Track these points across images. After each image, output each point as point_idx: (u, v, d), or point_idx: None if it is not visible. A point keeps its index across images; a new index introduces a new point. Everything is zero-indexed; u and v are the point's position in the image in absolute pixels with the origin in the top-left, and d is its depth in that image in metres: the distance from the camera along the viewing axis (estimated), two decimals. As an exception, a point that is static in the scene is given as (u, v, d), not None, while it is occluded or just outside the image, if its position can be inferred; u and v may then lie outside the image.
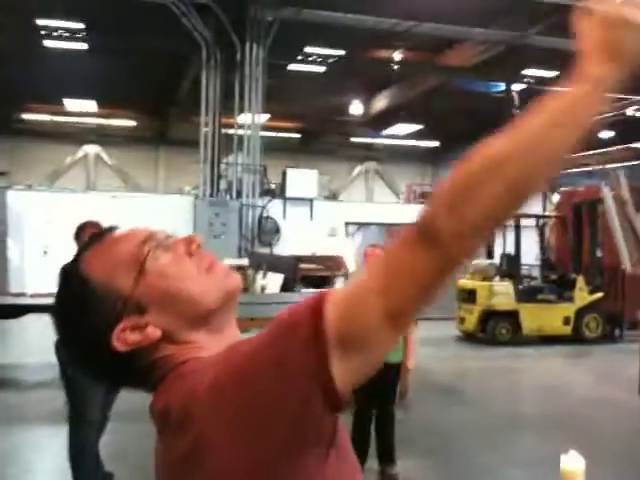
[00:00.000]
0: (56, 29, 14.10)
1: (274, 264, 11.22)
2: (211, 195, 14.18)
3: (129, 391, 1.00)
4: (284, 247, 14.42)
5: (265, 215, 14.82)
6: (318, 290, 0.81)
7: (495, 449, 5.99)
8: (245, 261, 11.79)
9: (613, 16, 0.78)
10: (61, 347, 3.93)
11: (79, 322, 0.93)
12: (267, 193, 15.65)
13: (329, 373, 0.75)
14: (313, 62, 16.02)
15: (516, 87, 17.06)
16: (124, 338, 0.90)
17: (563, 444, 2.00)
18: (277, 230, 15.07)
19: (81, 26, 14.20)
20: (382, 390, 4.82)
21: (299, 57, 15.78)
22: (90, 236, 0.99)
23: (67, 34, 14.16)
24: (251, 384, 0.77)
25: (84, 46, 14.81)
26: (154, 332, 0.91)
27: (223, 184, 15.05)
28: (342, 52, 15.79)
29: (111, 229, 0.99)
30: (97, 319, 0.91)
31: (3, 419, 6.36)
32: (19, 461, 5.63)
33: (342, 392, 0.77)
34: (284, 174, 16.45)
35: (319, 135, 24.10)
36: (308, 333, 0.76)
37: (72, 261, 0.96)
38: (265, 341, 0.79)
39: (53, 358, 4.15)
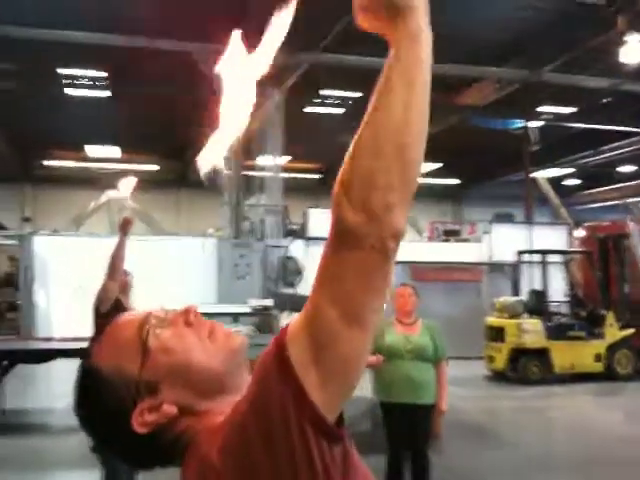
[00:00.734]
0: (78, 77, 14.44)
1: (298, 304, 11.16)
2: (235, 237, 14.25)
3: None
4: (307, 287, 14.38)
5: (288, 255, 14.83)
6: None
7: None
8: (270, 302, 11.76)
9: None
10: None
11: (99, 414, 0.95)
12: (290, 233, 15.69)
13: (310, 402, 0.75)
14: (331, 104, 16.21)
15: (533, 124, 17.10)
16: (143, 420, 0.92)
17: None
18: (300, 270, 15.06)
19: (103, 74, 14.52)
20: (416, 432, 4.74)
21: (316, 100, 15.98)
22: (97, 329, 1.03)
23: (89, 82, 14.49)
24: (245, 445, 0.77)
25: (106, 93, 15.13)
26: (170, 409, 0.92)
27: (246, 225, 15.13)
28: (359, 94, 15.98)
29: (114, 319, 1.02)
30: (114, 407, 0.93)
31: (33, 464, 6.33)
32: (50, 508, 5.59)
33: (329, 417, 0.77)
34: (306, 214, 16.51)
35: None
36: (276, 373, 0.76)
37: (84, 356, 1.00)
38: (249, 397, 0.79)
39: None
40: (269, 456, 0.76)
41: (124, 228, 4.23)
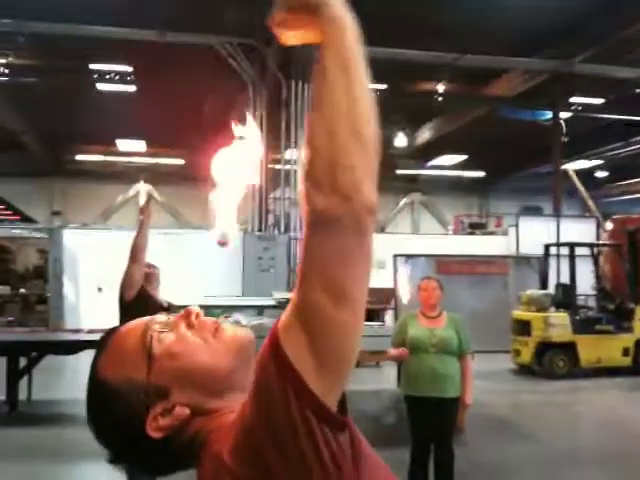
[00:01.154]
0: (107, 72, 14.58)
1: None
2: (259, 230, 14.31)
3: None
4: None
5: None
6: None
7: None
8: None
9: None
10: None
11: (113, 425, 0.97)
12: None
13: (309, 391, 0.76)
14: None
15: (563, 115, 16.86)
16: (157, 425, 0.93)
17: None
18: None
19: (129, 69, 14.64)
20: (440, 425, 4.73)
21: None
22: (98, 343, 1.03)
23: (117, 77, 14.63)
24: (254, 444, 0.78)
25: (132, 88, 15.26)
26: (182, 411, 0.93)
27: (271, 219, 15.17)
28: (384, 86, 15.90)
29: (112, 331, 1.03)
30: (127, 417, 0.94)
31: (61, 455, 6.43)
32: (78, 497, 5.68)
33: (330, 403, 0.77)
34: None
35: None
36: (274, 369, 0.77)
37: (90, 371, 1.01)
38: (252, 397, 0.80)
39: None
40: (278, 451, 0.77)
41: (144, 211, 4.25)
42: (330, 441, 0.77)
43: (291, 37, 0.88)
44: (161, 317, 1.01)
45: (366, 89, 0.81)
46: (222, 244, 1.00)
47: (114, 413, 0.95)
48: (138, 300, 4.13)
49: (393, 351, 4.81)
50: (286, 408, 0.76)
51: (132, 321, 1.03)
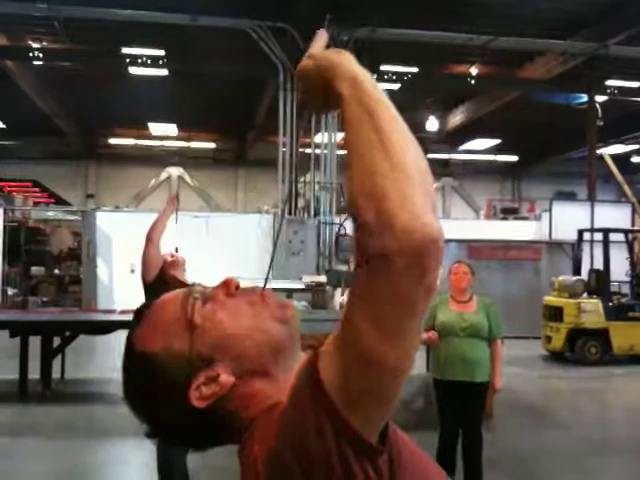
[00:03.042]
0: (140, 56, 14.66)
1: (351, 281, 11.17)
2: (289, 213, 14.32)
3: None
4: (362, 265, 14.38)
5: (342, 232, 14.84)
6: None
7: (583, 474, 5.74)
8: (323, 278, 11.81)
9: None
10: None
11: (153, 398, 0.94)
12: (344, 211, 15.68)
13: (347, 424, 0.74)
14: (388, 80, 16.01)
15: (598, 98, 16.52)
16: (200, 394, 0.91)
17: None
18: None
19: (161, 53, 14.70)
20: (469, 409, 4.71)
21: (374, 75, 15.79)
22: (135, 314, 1.01)
23: (149, 61, 14.69)
24: (285, 467, 0.77)
25: (164, 72, 15.32)
26: (227, 378, 0.91)
27: (301, 202, 15.17)
28: (416, 69, 15.73)
29: (148, 304, 1.01)
30: (168, 388, 0.92)
31: (92, 433, 6.56)
32: (109, 474, 5.80)
33: (370, 434, 0.75)
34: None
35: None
36: (309, 399, 0.75)
37: (126, 346, 0.99)
38: (285, 420, 0.79)
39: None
40: (308, 476, 0.76)
41: (171, 202, 4.30)
42: (368, 470, 0.75)
43: (321, 109, 0.91)
44: (200, 287, 0.99)
45: (396, 122, 0.78)
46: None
47: (154, 385, 0.93)
48: (159, 282, 4.18)
49: (423, 335, 4.79)
50: (320, 439, 0.74)
51: (170, 292, 1.01)
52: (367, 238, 0.71)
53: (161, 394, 0.93)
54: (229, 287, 0.97)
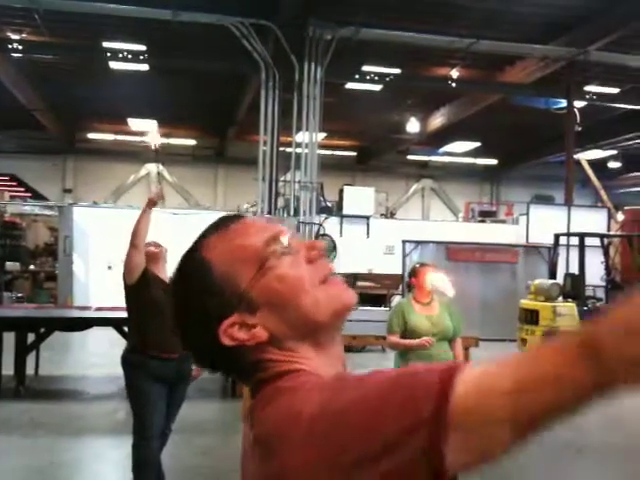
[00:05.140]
0: (120, 51, 14.55)
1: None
2: (269, 212, 14.31)
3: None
4: (341, 265, 14.41)
5: (322, 233, 14.86)
6: (446, 363, 0.77)
7: (554, 478, 5.79)
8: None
9: None
10: (129, 357, 3.93)
11: (193, 304, 0.92)
12: (324, 211, 15.70)
13: (441, 452, 0.71)
14: (370, 80, 16.06)
15: (577, 104, 16.72)
16: (231, 333, 0.89)
17: (627, 475, 1.91)
18: (334, 248, 15.07)
19: (142, 48, 14.60)
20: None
21: (356, 76, 15.86)
22: (219, 220, 0.98)
23: (130, 55, 14.59)
24: (356, 432, 0.73)
25: (145, 67, 15.22)
26: (261, 333, 0.89)
27: (281, 202, 15.17)
28: (399, 70, 15.79)
29: (238, 217, 0.97)
30: (210, 306, 0.90)
31: (67, 430, 6.50)
32: (83, 471, 5.75)
33: (449, 471, 0.73)
34: (341, 192, 16.50)
35: (376, 153, 24.11)
36: (430, 407, 0.71)
37: (193, 245, 0.95)
38: (381, 394, 0.75)
39: (116, 370, 4.22)
40: (359, 465, 0.73)
41: (151, 204, 4.26)
42: None
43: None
44: (287, 238, 0.94)
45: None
46: None
47: (199, 296, 0.91)
48: (141, 282, 4.15)
49: (415, 341, 4.75)
50: (409, 432, 0.71)
51: (262, 218, 0.98)
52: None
53: (200, 305, 0.91)
54: (312, 251, 0.94)
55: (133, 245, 4.15)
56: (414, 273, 4.92)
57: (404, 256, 13.98)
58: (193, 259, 0.94)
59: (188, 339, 0.96)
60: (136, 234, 4.14)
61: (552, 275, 11.97)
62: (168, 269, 4.53)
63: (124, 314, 4.49)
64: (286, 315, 0.90)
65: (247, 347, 0.90)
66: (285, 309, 0.90)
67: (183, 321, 0.95)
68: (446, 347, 4.77)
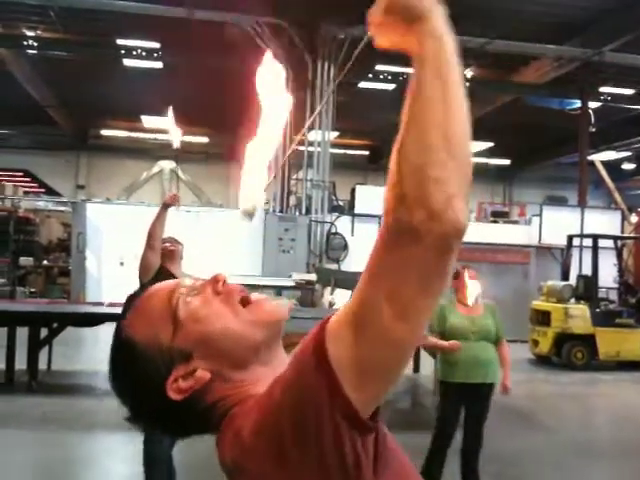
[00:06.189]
0: (134, 48, 14.60)
1: (342, 280, 11.20)
2: (281, 211, 14.33)
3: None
4: (352, 263, 14.40)
5: (333, 231, 14.85)
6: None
7: (567, 476, 5.77)
8: (313, 276, 11.83)
9: None
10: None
11: (135, 383, 0.97)
12: (335, 209, 15.69)
13: (345, 398, 0.74)
14: (384, 80, 16.03)
15: (592, 105, 16.61)
16: (177, 387, 0.93)
17: (637, 474, 1.90)
18: (345, 246, 15.06)
19: (156, 45, 14.65)
20: (477, 410, 4.72)
21: (370, 75, 15.83)
22: (125, 303, 1.05)
23: (144, 53, 14.64)
24: (276, 431, 0.78)
25: (159, 64, 15.27)
26: (203, 374, 0.93)
27: (292, 200, 15.18)
28: (412, 70, 15.75)
29: (138, 294, 1.05)
30: (150, 376, 0.94)
31: (78, 425, 6.54)
32: (95, 467, 5.78)
33: (366, 411, 0.76)
34: (353, 191, 16.48)
35: (388, 152, 23.90)
36: (313, 367, 0.75)
37: (116, 329, 1.01)
38: (284, 384, 0.79)
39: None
40: (299, 444, 0.76)
41: (168, 204, 4.28)
42: (356, 445, 0.76)
43: (385, 40, 0.84)
44: (188, 281, 1.00)
45: (463, 106, 0.78)
46: (248, 214, 1.00)
47: (137, 371, 0.95)
48: (156, 279, 4.16)
49: (444, 342, 4.74)
50: (317, 407, 0.75)
51: (161, 283, 1.03)
52: (402, 210, 0.72)
53: (142, 382, 0.95)
54: (217, 284, 0.98)
55: (149, 246, 4.17)
56: (455, 275, 4.91)
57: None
58: (120, 343, 0.99)
59: (149, 417, 0.99)
60: (152, 235, 4.17)
61: (565, 277, 11.91)
62: (183, 266, 4.56)
63: (136, 310, 4.50)
64: (218, 348, 0.93)
65: (198, 394, 0.93)
66: (214, 343, 0.93)
67: (136, 402, 0.98)
68: (490, 348, 4.74)
